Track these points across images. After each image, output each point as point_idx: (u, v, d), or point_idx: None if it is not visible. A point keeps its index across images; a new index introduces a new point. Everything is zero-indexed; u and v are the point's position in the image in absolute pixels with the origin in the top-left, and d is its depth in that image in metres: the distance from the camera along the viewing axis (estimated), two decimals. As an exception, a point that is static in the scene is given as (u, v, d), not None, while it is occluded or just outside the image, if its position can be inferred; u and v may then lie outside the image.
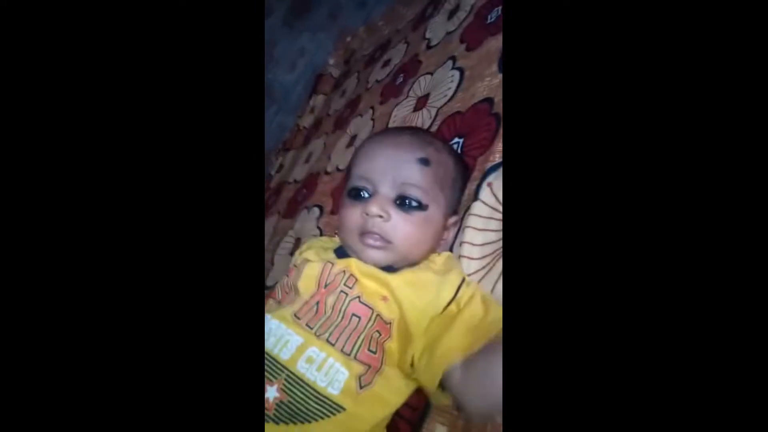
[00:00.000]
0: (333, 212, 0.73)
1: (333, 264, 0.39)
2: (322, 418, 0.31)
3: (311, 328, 0.35)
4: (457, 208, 0.44)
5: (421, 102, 0.69)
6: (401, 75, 0.85)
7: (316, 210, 0.78)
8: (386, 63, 0.99)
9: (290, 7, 1.34)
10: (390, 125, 0.74)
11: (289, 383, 0.32)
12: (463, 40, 0.70)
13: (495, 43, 0.60)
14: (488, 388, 0.28)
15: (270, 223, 0.97)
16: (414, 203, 0.38)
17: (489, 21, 0.66)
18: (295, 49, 1.37)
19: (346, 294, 0.36)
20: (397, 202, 0.38)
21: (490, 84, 0.55)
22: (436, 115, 0.62)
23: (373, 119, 0.84)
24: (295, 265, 0.44)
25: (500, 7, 0.64)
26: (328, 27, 1.42)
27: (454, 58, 0.68)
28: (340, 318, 0.35)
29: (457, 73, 0.64)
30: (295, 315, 0.36)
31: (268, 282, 0.77)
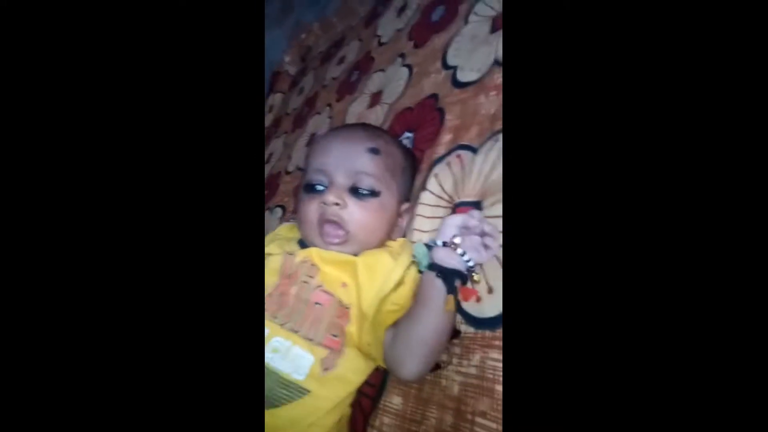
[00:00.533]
0: (295, 211, 0.74)
1: (293, 254, 0.41)
2: (289, 401, 0.33)
3: (275, 319, 0.36)
4: (409, 196, 0.47)
5: (375, 98, 0.71)
6: (356, 72, 0.87)
7: (279, 210, 0.79)
8: (341, 60, 1.00)
9: None
10: (346, 122, 0.76)
11: (281, 385, 0.34)
12: (411, 37, 0.72)
13: (439, 41, 0.63)
14: (402, 347, 0.32)
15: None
16: (367, 191, 0.40)
17: (433, 19, 0.69)
18: (249, 47, 1.35)
19: (308, 283, 0.38)
20: (352, 191, 0.41)
21: (435, 80, 0.58)
22: (389, 111, 0.64)
23: (330, 117, 0.85)
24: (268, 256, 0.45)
25: (444, 6, 0.68)
26: (281, 21, 1.40)
27: (403, 55, 0.71)
28: (303, 306, 0.37)
29: (406, 70, 0.67)
30: (270, 317, 0.37)
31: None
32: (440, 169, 0.46)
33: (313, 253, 0.40)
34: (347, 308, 0.37)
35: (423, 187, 0.47)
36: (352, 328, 0.37)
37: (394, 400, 0.36)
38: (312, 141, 0.82)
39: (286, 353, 0.35)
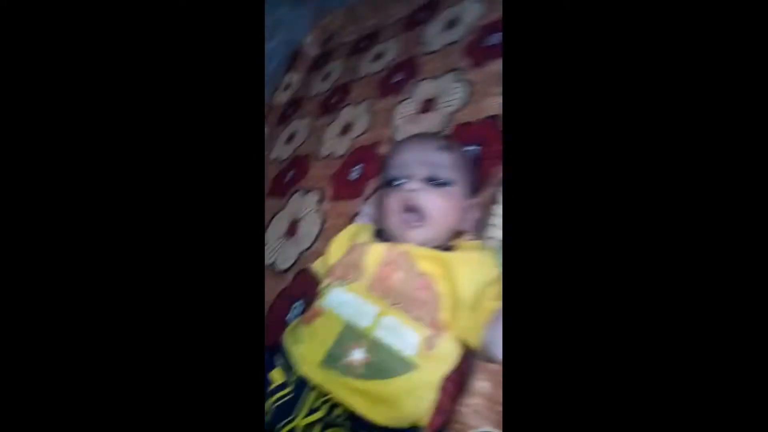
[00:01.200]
0: (334, 198, 0.78)
1: (395, 246, 0.46)
2: (401, 374, 0.38)
3: (386, 299, 0.42)
4: (476, 193, 0.54)
5: (428, 105, 0.77)
6: (399, 73, 0.91)
7: (315, 194, 0.82)
8: (377, 57, 1.04)
9: (271, -25, 1.28)
10: (395, 122, 0.80)
11: (373, 347, 0.39)
12: (465, 54, 0.78)
13: (496, 67, 0.70)
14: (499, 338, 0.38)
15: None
16: (441, 181, 0.48)
17: (490, 44, 0.75)
18: (273, 18, 1.32)
19: (412, 271, 0.44)
20: (428, 180, 0.48)
21: (497, 103, 0.65)
22: (448, 120, 0.70)
23: (371, 112, 0.89)
24: (355, 245, 0.50)
25: (501, 33, 0.74)
26: (307, 3, 1.39)
27: (457, 70, 0.77)
28: (409, 290, 0.42)
29: (461, 86, 0.73)
30: (369, 288, 0.43)
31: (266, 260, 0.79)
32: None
33: (408, 248, 0.46)
34: (443, 297, 0.43)
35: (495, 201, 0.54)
36: (446, 315, 0.43)
37: (483, 385, 0.42)
38: (353, 133, 0.86)
39: (396, 330, 0.40)
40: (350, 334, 0.40)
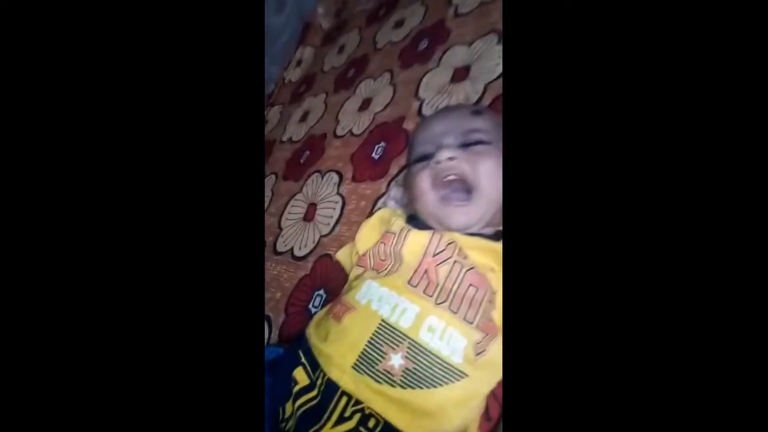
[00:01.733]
0: (355, 179, 0.70)
1: (441, 235, 0.38)
2: (447, 383, 0.31)
3: (430, 296, 0.34)
4: None
5: (460, 73, 0.67)
6: (425, 40, 0.81)
7: (334, 176, 0.74)
8: (398, 24, 0.94)
9: (280, -62, 1.18)
10: (421, 92, 0.71)
11: (414, 351, 0.32)
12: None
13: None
14: None
15: (266, 183, 0.90)
16: (478, 144, 0.39)
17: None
18: (283, -11, 1.22)
19: (462, 264, 0.36)
20: (463, 146, 0.39)
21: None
22: (485, 91, 0.61)
23: (393, 84, 0.80)
24: (389, 233, 0.42)
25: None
26: (317, -30, 1.28)
27: (498, 34, 0.67)
28: (457, 287, 0.35)
29: (501, 50, 0.63)
30: (408, 282, 0.35)
31: (281, 247, 0.72)
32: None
33: (456, 237, 0.38)
34: (495, 294, 0.35)
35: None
36: (496, 314, 0.35)
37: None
38: (373, 107, 0.76)
39: (442, 334, 0.33)
40: (387, 336, 0.33)
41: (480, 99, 0.60)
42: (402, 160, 0.63)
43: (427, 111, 0.67)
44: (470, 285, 0.35)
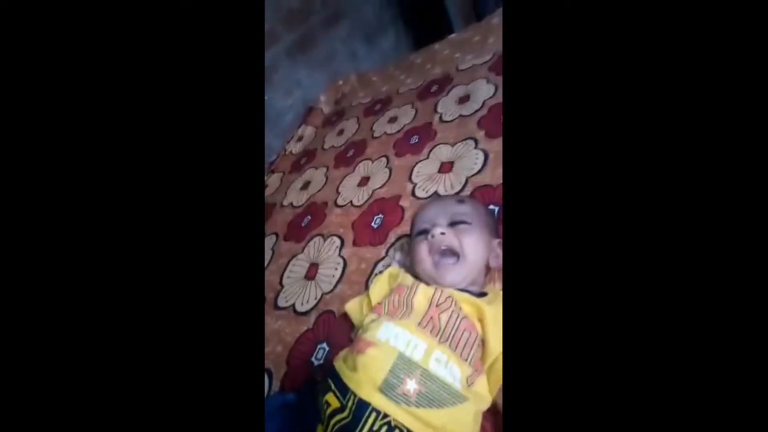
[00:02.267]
0: (356, 244, 0.82)
1: (442, 290, 0.50)
2: (453, 404, 0.41)
3: (435, 336, 0.45)
4: (496, 234, 0.59)
5: (446, 167, 0.85)
6: (415, 136, 1.01)
7: (336, 240, 0.86)
8: (392, 119, 1.14)
9: (295, 41, 1.43)
10: (414, 177, 0.88)
11: (425, 378, 0.42)
12: (481, 126, 0.89)
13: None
14: None
15: (267, 243, 0.99)
16: (462, 224, 0.55)
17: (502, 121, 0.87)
18: (293, 78, 1.44)
19: (458, 314, 0.48)
20: (450, 225, 0.55)
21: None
22: (466, 182, 0.78)
23: (389, 168, 0.96)
24: (402, 286, 0.54)
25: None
26: (323, 67, 1.53)
27: (475, 140, 0.87)
28: (454, 331, 0.46)
29: (481, 154, 0.82)
30: (418, 324, 0.46)
31: (282, 303, 0.80)
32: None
33: (453, 293, 0.50)
34: (482, 339, 0.47)
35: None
36: (482, 358, 0.46)
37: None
38: (372, 185, 0.93)
39: (445, 365, 0.43)
40: (404, 365, 0.43)
41: (462, 189, 0.77)
42: (398, 230, 0.77)
43: (419, 193, 0.83)
44: (464, 330, 0.47)
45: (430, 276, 0.53)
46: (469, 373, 0.44)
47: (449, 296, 0.49)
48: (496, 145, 0.82)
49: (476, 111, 0.94)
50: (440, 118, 1.02)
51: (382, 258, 0.75)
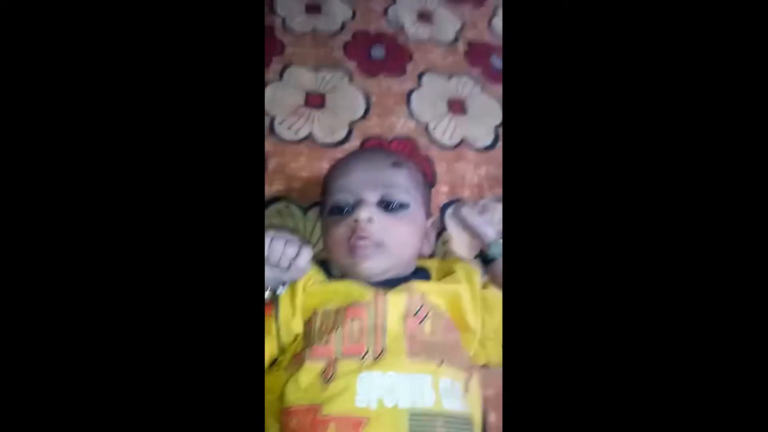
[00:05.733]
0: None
1: (411, 292, 0.37)
2: None
3: (432, 360, 0.34)
4: (430, 212, 0.49)
5: (314, 99, 0.64)
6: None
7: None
8: None
9: None
10: (266, 107, 0.61)
11: (448, 423, 0.31)
12: (349, 56, 0.71)
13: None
14: None
15: None
16: (397, 204, 0.41)
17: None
18: None
19: (437, 314, 0.37)
20: (381, 205, 0.40)
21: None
22: (350, 130, 0.61)
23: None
24: (358, 305, 0.36)
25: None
26: None
27: (347, 72, 0.69)
28: (442, 339, 0.36)
29: (359, 94, 0.66)
30: (410, 356, 0.33)
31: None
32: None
33: (422, 287, 0.38)
34: (459, 333, 0.39)
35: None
36: (472, 350, 0.39)
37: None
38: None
39: (454, 392, 0.33)
40: (423, 425, 0.30)
41: (348, 137, 0.61)
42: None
43: (284, 132, 0.59)
44: (449, 332, 0.37)
45: (343, 264, 0.40)
46: (466, 378, 0.36)
47: (419, 294, 0.38)
48: (375, 86, 0.68)
49: (336, 33, 0.74)
50: (283, 22, 0.74)
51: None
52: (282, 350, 0.38)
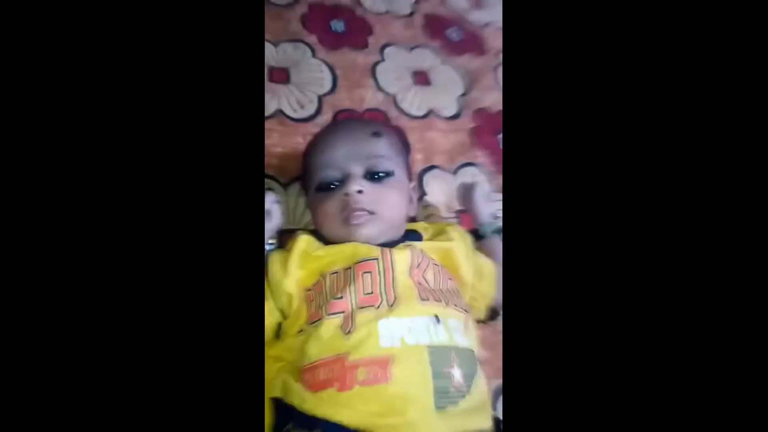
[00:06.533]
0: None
1: (412, 248, 0.39)
2: (478, 371, 0.36)
3: (438, 302, 0.36)
4: (411, 175, 0.52)
5: (278, 75, 0.61)
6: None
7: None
8: None
9: None
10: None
11: (459, 356, 0.34)
12: (309, 29, 0.69)
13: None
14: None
15: None
16: (382, 173, 0.42)
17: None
18: None
19: (436, 265, 0.40)
20: (368, 177, 0.42)
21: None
22: (320, 102, 0.60)
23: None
24: (366, 261, 0.37)
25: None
26: None
27: (309, 47, 0.67)
28: (444, 285, 0.39)
29: (324, 67, 0.65)
30: (420, 300, 0.35)
31: None
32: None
33: (415, 245, 0.40)
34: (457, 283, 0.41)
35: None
36: (466, 296, 0.42)
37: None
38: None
39: (459, 329, 0.36)
40: (441, 357, 0.32)
41: (319, 111, 0.60)
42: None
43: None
44: (448, 279, 0.40)
45: (340, 236, 0.41)
46: (465, 318, 0.38)
47: (420, 250, 0.40)
48: (339, 59, 0.67)
49: (290, 5, 0.72)
50: None
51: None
52: (283, 315, 0.39)
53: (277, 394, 0.34)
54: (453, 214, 0.58)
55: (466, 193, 0.55)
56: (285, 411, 0.32)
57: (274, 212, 0.46)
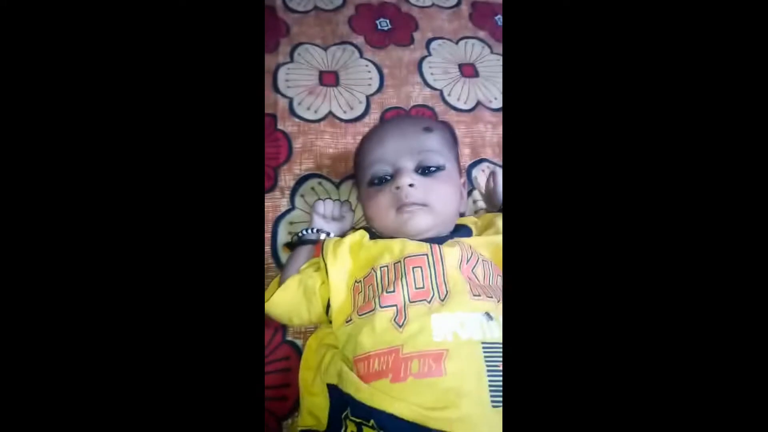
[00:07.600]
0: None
1: (462, 244, 0.39)
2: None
3: (490, 298, 0.36)
4: (461, 170, 0.51)
5: (328, 77, 0.64)
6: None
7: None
8: None
9: None
10: (281, 88, 0.61)
11: None
12: (356, 30, 0.71)
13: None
14: None
15: None
16: (433, 167, 0.43)
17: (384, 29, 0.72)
18: None
19: (486, 261, 0.39)
20: (419, 171, 0.42)
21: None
22: (368, 102, 0.62)
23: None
24: (415, 256, 0.38)
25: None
26: None
27: (357, 48, 0.68)
28: (494, 281, 0.38)
29: (372, 67, 0.67)
30: (471, 296, 0.35)
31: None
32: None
33: (462, 242, 0.40)
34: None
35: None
36: None
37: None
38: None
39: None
40: (495, 353, 0.32)
41: (367, 111, 0.61)
42: (289, 169, 0.54)
43: (304, 112, 0.60)
44: (496, 276, 0.39)
45: (391, 228, 0.42)
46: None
47: (469, 246, 0.40)
48: (385, 58, 0.68)
49: (339, 8, 0.74)
50: (284, 3, 0.73)
51: (288, 210, 0.52)
52: (326, 307, 0.40)
53: (333, 381, 0.35)
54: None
55: (493, 179, 0.53)
56: (341, 398, 0.34)
57: (347, 217, 0.51)
